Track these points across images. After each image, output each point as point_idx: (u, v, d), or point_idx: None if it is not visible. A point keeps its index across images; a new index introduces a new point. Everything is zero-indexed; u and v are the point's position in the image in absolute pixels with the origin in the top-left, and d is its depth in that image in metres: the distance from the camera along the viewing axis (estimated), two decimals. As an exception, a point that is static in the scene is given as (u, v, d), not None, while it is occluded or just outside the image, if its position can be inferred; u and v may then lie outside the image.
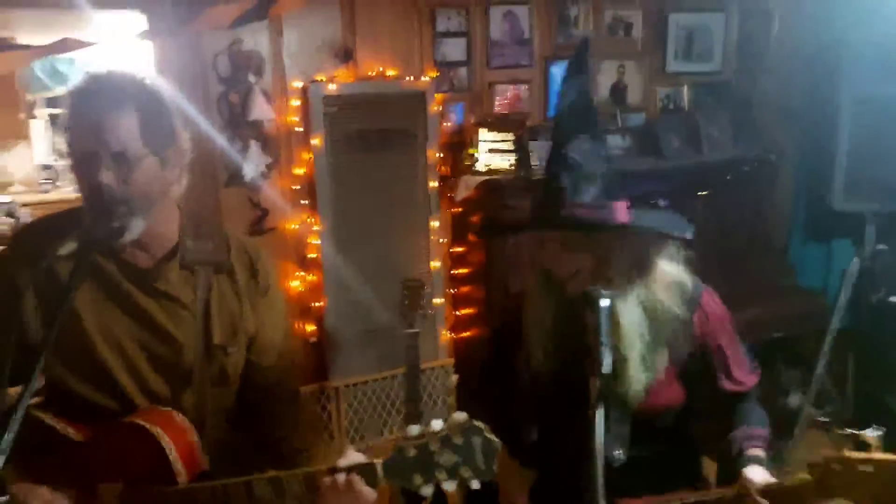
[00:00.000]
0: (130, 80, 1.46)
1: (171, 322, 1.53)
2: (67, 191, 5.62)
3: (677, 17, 3.90)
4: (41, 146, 6.21)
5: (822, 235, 3.96)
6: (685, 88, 3.99)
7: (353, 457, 1.34)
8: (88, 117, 1.40)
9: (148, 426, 1.45)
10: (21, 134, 6.21)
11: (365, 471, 1.31)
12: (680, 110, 3.96)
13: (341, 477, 1.30)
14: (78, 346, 1.50)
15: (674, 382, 1.68)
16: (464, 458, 1.26)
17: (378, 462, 1.30)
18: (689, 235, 1.60)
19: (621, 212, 1.56)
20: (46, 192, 5.93)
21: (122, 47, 3.34)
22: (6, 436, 1.16)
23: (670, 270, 1.66)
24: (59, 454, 1.48)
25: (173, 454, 1.43)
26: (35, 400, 1.57)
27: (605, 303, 1.39)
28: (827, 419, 3.60)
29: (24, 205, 5.42)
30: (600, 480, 1.30)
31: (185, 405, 1.55)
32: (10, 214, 4.99)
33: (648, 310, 1.61)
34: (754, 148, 3.86)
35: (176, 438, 1.46)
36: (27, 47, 2.32)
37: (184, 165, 1.53)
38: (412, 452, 1.27)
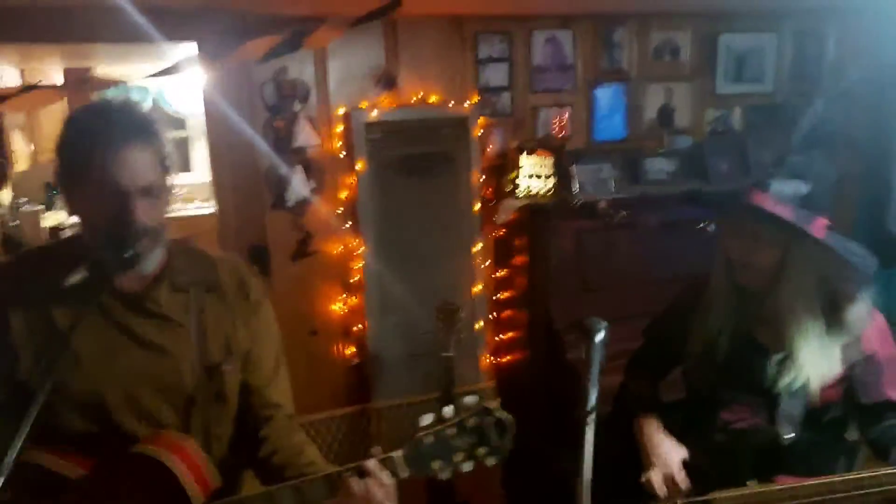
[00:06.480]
0: (135, 110, 1.45)
1: (168, 340, 1.52)
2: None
3: (728, 38, 3.82)
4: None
5: (883, 263, 3.80)
6: (737, 110, 3.90)
7: (373, 451, 1.38)
8: (108, 151, 1.37)
9: (155, 454, 1.43)
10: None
11: (385, 464, 1.35)
12: (729, 133, 3.87)
13: (363, 477, 1.34)
14: (71, 377, 1.45)
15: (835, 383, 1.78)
16: (479, 439, 1.31)
17: (398, 454, 1.34)
18: (871, 272, 1.74)
19: (818, 227, 1.71)
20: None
21: (181, 77, 3.47)
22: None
23: (851, 298, 1.76)
24: (56, 495, 1.40)
25: (185, 478, 1.42)
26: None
27: (599, 337, 1.39)
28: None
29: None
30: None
31: (190, 427, 1.54)
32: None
33: (828, 326, 1.74)
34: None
35: (186, 460, 1.44)
36: (56, 87, 2.44)
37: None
38: (430, 440, 1.32)
